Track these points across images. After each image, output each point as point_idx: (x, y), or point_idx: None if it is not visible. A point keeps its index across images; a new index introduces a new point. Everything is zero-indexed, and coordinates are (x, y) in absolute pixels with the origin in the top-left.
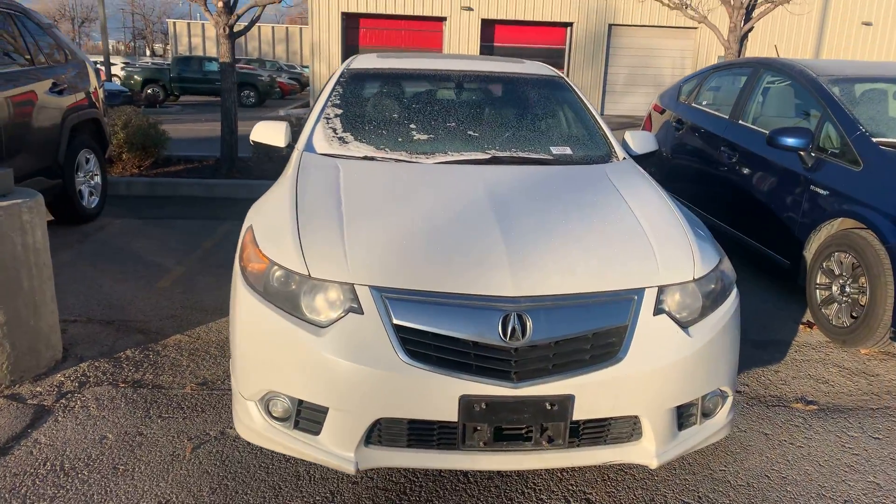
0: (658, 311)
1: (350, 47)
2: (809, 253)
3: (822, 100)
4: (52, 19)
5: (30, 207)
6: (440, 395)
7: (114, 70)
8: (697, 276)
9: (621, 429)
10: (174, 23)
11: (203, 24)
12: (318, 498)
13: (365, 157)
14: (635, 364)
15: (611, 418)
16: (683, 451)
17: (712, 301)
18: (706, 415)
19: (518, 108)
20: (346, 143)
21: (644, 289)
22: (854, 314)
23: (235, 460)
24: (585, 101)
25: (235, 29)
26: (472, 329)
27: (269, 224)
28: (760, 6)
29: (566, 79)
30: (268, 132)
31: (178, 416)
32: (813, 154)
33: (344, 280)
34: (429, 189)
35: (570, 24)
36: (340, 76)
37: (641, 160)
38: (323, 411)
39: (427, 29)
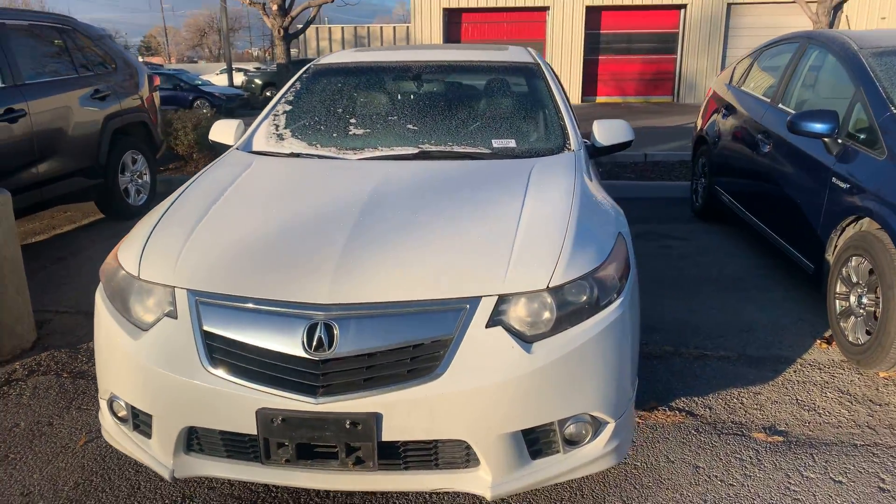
0: (494, 322)
1: (453, 43)
2: (831, 256)
3: (856, 75)
4: (202, 32)
5: None
6: (239, 407)
7: (235, 75)
8: (553, 285)
9: (453, 453)
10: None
11: (329, 28)
12: (171, 500)
13: (290, 154)
14: (455, 382)
15: (437, 441)
16: (538, 481)
17: (573, 313)
18: (572, 443)
19: (477, 100)
20: (283, 139)
21: (480, 298)
22: (869, 329)
23: (114, 457)
24: (555, 89)
25: (292, 29)
26: (276, 338)
27: (141, 223)
28: None
29: (543, 66)
30: (221, 131)
31: (94, 408)
32: (839, 141)
33: (166, 283)
34: (316, 189)
35: (684, 6)
36: (304, 72)
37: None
38: (149, 415)
39: (529, 20)
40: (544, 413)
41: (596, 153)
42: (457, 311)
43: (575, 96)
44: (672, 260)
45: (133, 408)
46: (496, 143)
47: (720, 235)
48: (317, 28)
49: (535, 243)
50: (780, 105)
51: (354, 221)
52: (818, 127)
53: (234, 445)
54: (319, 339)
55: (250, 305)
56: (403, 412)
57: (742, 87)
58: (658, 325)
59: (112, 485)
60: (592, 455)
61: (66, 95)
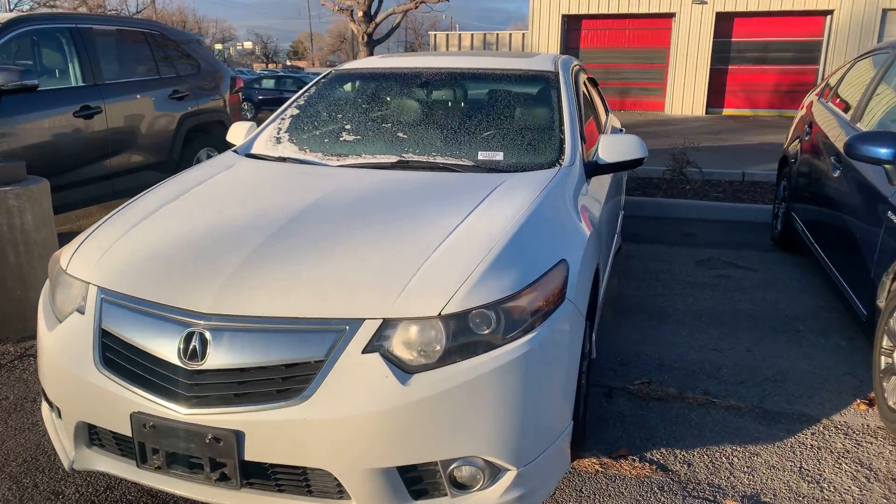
0: (373, 348)
1: (570, 50)
2: (882, 303)
3: None
4: (342, 38)
5: (17, 195)
6: (117, 408)
7: None
8: (447, 312)
9: (325, 483)
10: (435, 35)
11: (459, 35)
12: (95, 489)
13: (278, 158)
14: (321, 408)
15: (305, 468)
16: None
17: (468, 345)
18: (461, 486)
19: (479, 110)
20: (280, 143)
21: (363, 320)
22: None
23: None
24: (567, 101)
25: (376, 35)
26: (157, 343)
27: (102, 220)
28: None
29: (565, 76)
30: (236, 133)
31: None
32: None
33: (83, 279)
34: (267, 195)
35: (830, 12)
36: (322, 77)
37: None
38: (57, 406)
39: (653, 27)
40: (422, 451)
41: (599, 170)
42: (335, 333)
43: (699, 108)
44: (726, 292)
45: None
46: (482, 156)
47: (792, 268)
48: (447, 34)
49: (446, 265)
50: (856, 124)
51: (274, 231)
52: (878, 151)
53: (125, 445)
54: (194, 348)
55: (140, 307)
56: (266, 433)
57: (828, 102)
58: (672, 363)
59: (53, 466)
60: (487, 503)
61: (143, 95)
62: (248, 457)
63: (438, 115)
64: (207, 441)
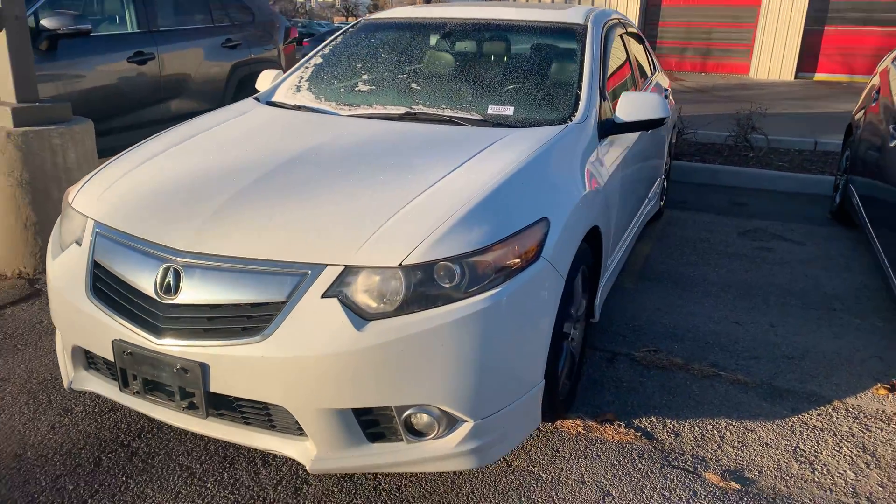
0: (332, 293)
1: (652, 8)
2: None
3: None
4: None
5: (61, 133)
6: (103, 334)
7: None
8: (409, 263)
9: (287, 419)
10: None
11: None
12: (62, 408)
13: (294, 107)
14: (278, 347)
15: (268, 404)
16: (372, 465)
17: (428, 296)
18: (417, 433)
19: (499, 62)
20: (299, 92)
21: (325, 266)
22: None
23: None
24: (590, 55)
25: None
26: (139, 275)
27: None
28: None
29: (593, 29)
30: (263, 80)
31: None
32: None
33: (84, 213)
34: (267, 141)
35: None
36: (351, 26)
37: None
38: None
39: None
40: (376, 396)
41: (615, 129)
42: (297, 277)
43: (787, 72)
44: (763, 264)
45: None
46: (492, 110)
47: (845, 243)
48: None
49: (417, 216)
50: None
51: (261, 175)
52: None
53: (113, 369)
54: (169, 283)
55: (127, 241)
56: (228, 367)
57: None
58: (685, 333)
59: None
60: (441, 451)
61: (196, 43)
62: (212, 388)
63: (456, 67)
64: (175, 371)
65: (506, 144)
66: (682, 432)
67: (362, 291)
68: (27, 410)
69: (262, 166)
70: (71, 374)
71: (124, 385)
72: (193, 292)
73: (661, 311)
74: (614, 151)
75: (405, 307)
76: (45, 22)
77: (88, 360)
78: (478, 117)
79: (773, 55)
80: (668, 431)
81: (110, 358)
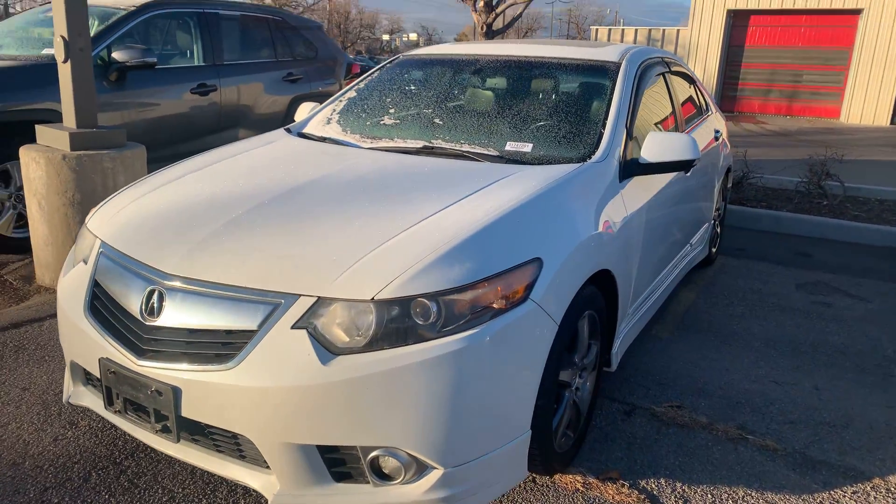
0: (302, 324)
1: (734, 49)
2: None
3: None
4: (507, 34)
5: (112, 158)
6: (92, 352)
7: None
8: (381, 297)
9: (254, 451)
10: (596, 29)
11: (622, 30)
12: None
13: (321, 139)
14: (245, 375)
15: (237, 434)
16: None
17: (399, 333)
18: (383, 477)
19: (526, 99)
20: (328, 124)
21: (298, 296)
22: None
23: None
24: (620, 94)
25: (496, 27)
26: (127, 296)
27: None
28: None
29: (628, 67)
30: (300, 112)
31: None
32: None
33: (95, 232)
34: (279, 171)
35: None
36: (388, 62)
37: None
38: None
39: (834, 24)
40: (340, 434)
41: (639, 170)
42: (270, 306)
43: (883, 117)
44: (819, 320)
45: None
46: (510, 146)
47: None
48: (609, 29)
49: (399, 250)
50: None
51: (259, 204)
52: None
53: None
54: (153, 305)
55: (122, 262)
56: (199, 392)
57: None
58: (715, 390)
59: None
60: (409, 497)
61: (257, 76)
62: (184, 413)
63: (483, 102)
64: (150, 392)
65: (512, 181)
66: (692, 498)
67: (335, 324)
68: (36, 421)
69: (263, 195)
70: (70, 389)
71: (109, 403)
72: (174, 315)
73: (694, 364)
74: (640, 193)
75: (375, 343)
76: (115, 55)
77: (87, 375)
78: (494, 153)
79: (867, 99)
80: (676, 496)
81: (98, 375)
